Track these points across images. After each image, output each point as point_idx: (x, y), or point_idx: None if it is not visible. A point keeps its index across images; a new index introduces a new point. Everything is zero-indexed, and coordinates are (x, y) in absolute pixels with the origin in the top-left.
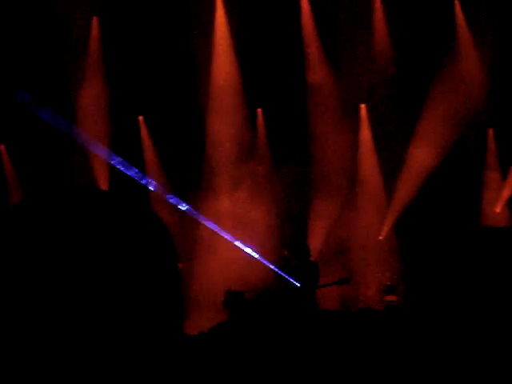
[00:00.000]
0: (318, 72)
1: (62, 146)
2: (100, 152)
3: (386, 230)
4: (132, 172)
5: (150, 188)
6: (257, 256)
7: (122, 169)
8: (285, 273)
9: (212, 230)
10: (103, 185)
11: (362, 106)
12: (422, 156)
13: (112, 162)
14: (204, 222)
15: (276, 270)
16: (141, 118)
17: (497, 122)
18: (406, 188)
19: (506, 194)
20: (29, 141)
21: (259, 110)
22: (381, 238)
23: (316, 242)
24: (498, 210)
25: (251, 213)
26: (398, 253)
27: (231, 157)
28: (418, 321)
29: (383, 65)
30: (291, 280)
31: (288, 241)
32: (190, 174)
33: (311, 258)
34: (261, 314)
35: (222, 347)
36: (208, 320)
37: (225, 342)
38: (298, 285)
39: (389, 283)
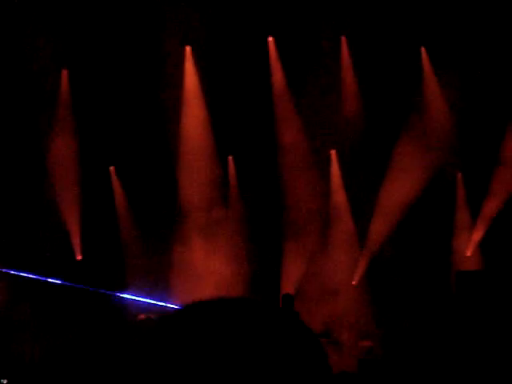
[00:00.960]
0: (287, 122)
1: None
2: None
3: (358, 274)
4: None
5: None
6: None
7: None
8: None
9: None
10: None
11: (333, 151)
12: (392, 200)
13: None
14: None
15: None
16: (112, 168)
17: (465, 166)
18: (377, 232)
19: (476, 237)
20: None
21: (230, 158)
22: (354, 283)
23: (290, 287)
24: (468, 253)
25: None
26: (371, 298)
27: (202, 205)
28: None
29: (351, 112)
30: None
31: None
32: (161, 223)
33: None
34: None
35: None
36: None
37: None
38: None
39: (364, 328)
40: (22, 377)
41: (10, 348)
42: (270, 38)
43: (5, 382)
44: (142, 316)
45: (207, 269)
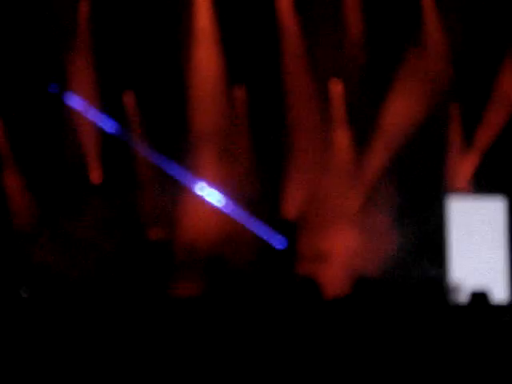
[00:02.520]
0: (293, 46)
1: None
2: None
3: (356, 202)
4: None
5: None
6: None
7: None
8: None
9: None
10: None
11: (335, 81)
12: (390, 131)
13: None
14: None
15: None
16: (128, 92)
17: (461, 98)
18: (375, 161)
19: (467, 168)
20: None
21: (239, 87)
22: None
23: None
24: (460, 184)
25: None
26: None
27: (213, 134)
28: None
29: (354, 43)
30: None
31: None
32: (174, 151)
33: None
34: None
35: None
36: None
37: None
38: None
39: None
40: (44, 287)
41: (32, 258)
42: None
43: (25, 293)
44: (155, 233)
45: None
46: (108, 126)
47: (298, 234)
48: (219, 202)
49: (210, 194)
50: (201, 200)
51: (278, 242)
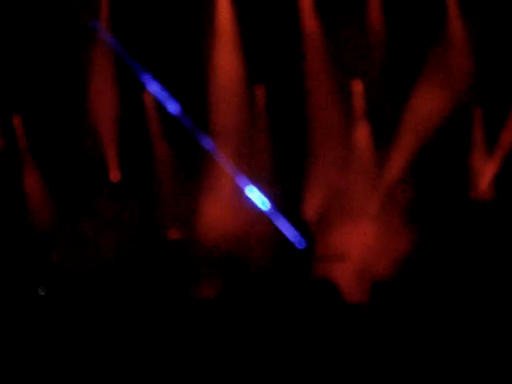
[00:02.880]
0: (314, 46)
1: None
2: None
3: (376, 203)
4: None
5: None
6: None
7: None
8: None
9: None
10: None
11: (357, 81)
12: (411, 132)
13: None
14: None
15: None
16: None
17: (484, 102)
18: (396, 163)
19: (491, 170)
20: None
21: (259, 86)
22: (372, 210)
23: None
24: (483, 186)
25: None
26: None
27: (232, 132)
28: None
29: (376, 42)
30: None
31: None
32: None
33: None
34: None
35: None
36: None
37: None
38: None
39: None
40: (61, 286)
41: (50, 257)
42: None
43: (42, 291)
44: (173, 233)
45: (235, 193)
46: (172, 107)
47: (316, 233)
48: (264, 206)
49: (257, 197)
50: (219, 198)
51: (297, 241)
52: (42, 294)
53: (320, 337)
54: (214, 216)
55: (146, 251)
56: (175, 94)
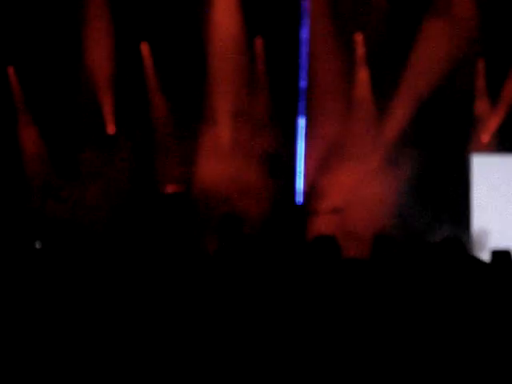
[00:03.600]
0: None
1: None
2: None
3: (376, 160)
4: None
5: None
6: None
7: None
8: None
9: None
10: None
11: (358, 34)
12: (413, 86)
13: None
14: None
15: None
16: (144, 44)
17: (487, 53)
18: (397, 116)
19: (493, 123)
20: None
21: (257, 40)
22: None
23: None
24: (485, 140)
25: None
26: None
27: (230, 87)
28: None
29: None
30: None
31: None
32: (190, 105)
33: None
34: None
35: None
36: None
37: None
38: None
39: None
40: (56, 239)
41: (45, 210)
42: None
43: (39, 245)
44: (171, 188)
45: (233, 148)
46: None
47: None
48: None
49: None
50: (217, 154)
51: (295, 196)
52: (38, 247)
53: (321, 292)
54: (212, 172)
55: (142, 204)
56: (173, 50)
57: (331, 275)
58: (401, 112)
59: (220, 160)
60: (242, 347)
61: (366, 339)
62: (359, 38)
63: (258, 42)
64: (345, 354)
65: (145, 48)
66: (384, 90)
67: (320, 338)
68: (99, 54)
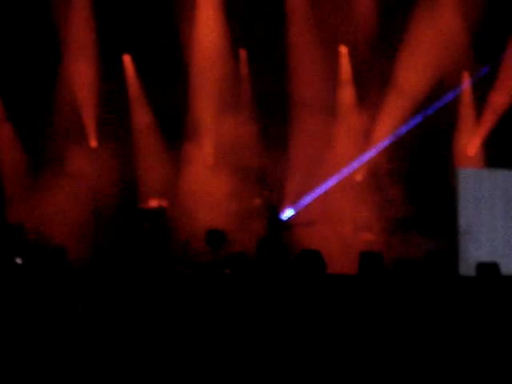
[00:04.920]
0: (297, 17)
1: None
2: None
3: (362, 170)
4: None
5: None
6: None
7: None
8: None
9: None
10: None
11: (342, 47)
12: (399, 97)
13: None
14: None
15: None
16: (127, 56)
17: (472, 64)
18: (383, 127)
19: (479, 137)
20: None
21: (242, 51)
22: (358, 179)
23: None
24: (471, 153)
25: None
26: (375, 192)
27: (214, 98)
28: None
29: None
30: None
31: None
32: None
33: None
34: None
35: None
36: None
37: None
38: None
39: (365, 222)
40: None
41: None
42: None
43: (19, 261)
44: (154, 203)
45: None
46: None
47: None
48: None
49: None
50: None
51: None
52: (19, 262)
53: (307, 308)
54: (196, 185)
55: (125, 218)
56: (156, 60)
57: (318, 290)
58: (385, 127)
59: (203, 174)
60: (229, 363)
61: (357, 348)
62: (344, 49)
63: (242, 53)
64: (332, 366)
65: (127, 59)
66: (369, 102)
67: (311, 346)
68: (82, 66)
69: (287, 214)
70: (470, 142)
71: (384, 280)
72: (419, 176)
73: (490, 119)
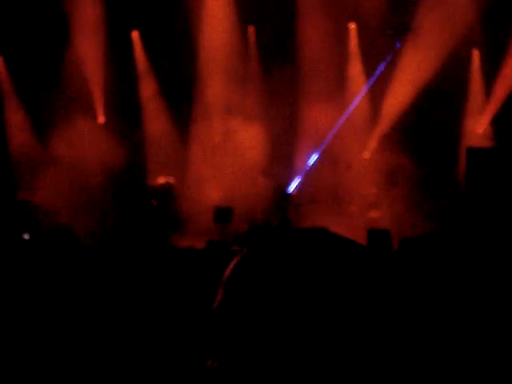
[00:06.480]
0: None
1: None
2: None
3: (370, 148)
4: None
5: None
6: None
7: None
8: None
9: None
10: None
11: (351, 24)
12: (408, 76)
13: None
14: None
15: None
16: (135, 32)
17: (482, 44)
18: (390, 107)
19: (488, 115)
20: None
21: (250, 28)
22: (365, 156)
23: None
24: (479, 130)
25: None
26: (381, 171)
27: (223, 76)
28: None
29: None
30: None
31: None
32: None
33: None
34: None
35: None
36: (199, 236)
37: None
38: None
39: (372, 200)
40: (43, 232)
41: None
42: None
43: (27, 236)
44: (162, 180)
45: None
46: None
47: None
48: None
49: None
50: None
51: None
52: (26, 238)
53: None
54: (204, 163)
55: (133, 196)
56: (165, 37)
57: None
58: (395, 103)
59: (211, 154)
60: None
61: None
62: (352, 27)
63: (251, 31)
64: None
65: (135, 36)
66: (379, 80)
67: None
68: (90, 43)
69: (293, 184)
70: (480, 120)
71: (391, 257)
72: (427, 152)
73: (499, 96)
